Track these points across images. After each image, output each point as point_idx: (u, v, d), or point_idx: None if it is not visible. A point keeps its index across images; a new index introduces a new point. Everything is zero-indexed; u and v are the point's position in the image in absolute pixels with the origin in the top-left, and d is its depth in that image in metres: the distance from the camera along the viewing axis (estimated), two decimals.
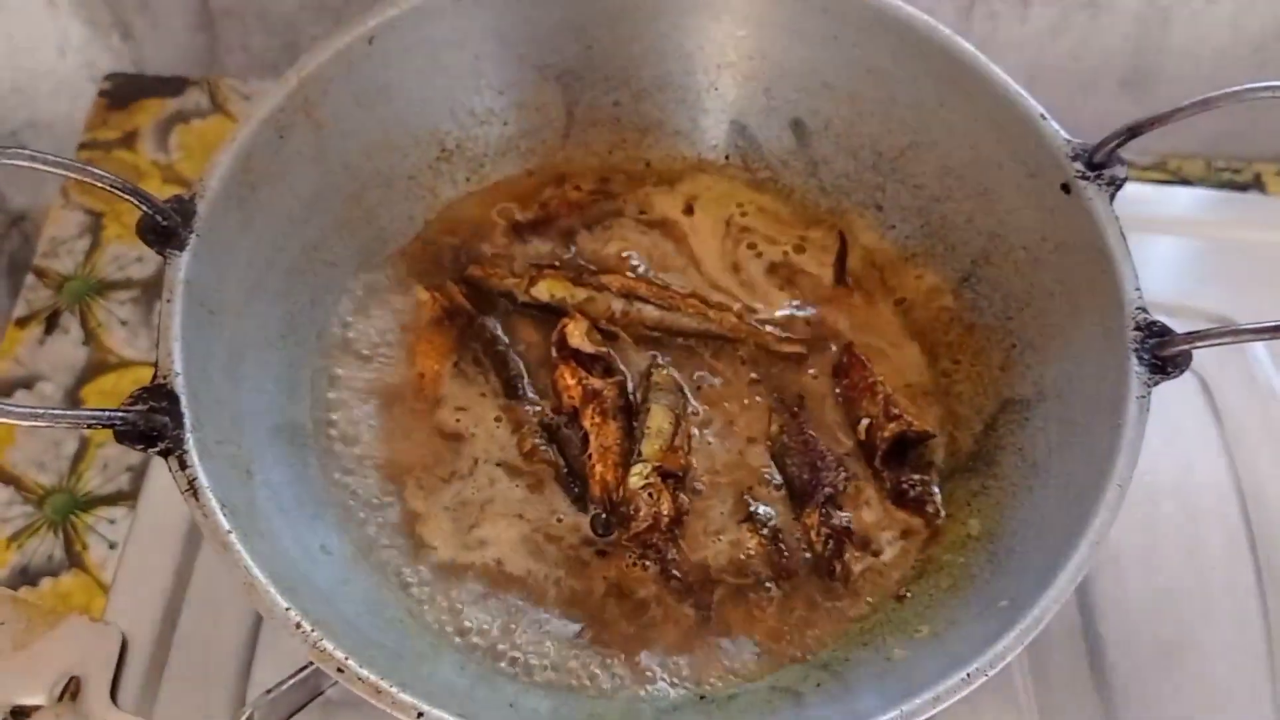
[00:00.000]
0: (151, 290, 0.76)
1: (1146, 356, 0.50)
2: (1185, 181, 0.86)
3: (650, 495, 0.57)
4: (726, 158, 0.69)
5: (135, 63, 0.90)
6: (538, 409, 0.61)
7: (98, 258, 0.78)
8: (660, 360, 0.63)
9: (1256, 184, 0.86)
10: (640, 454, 0.58)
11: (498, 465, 0.60)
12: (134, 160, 0.83)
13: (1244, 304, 0.72)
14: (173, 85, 0.87)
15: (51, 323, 0.75)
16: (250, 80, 0.89)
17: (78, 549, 0.67)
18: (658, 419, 0.59)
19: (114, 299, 0.76)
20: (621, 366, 0.62)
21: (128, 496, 0.69)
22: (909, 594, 0.56)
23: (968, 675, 0.44)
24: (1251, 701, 0.62)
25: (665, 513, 0.57)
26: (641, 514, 0.56)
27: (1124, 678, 0.62)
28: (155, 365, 0.48)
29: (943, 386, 0.63)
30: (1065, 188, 0.55)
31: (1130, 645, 0.63)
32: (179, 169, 0.83)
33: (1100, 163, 0.54)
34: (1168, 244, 0.79)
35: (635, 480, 0.57)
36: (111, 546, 0.67)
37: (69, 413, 0.46)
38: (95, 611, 0.64)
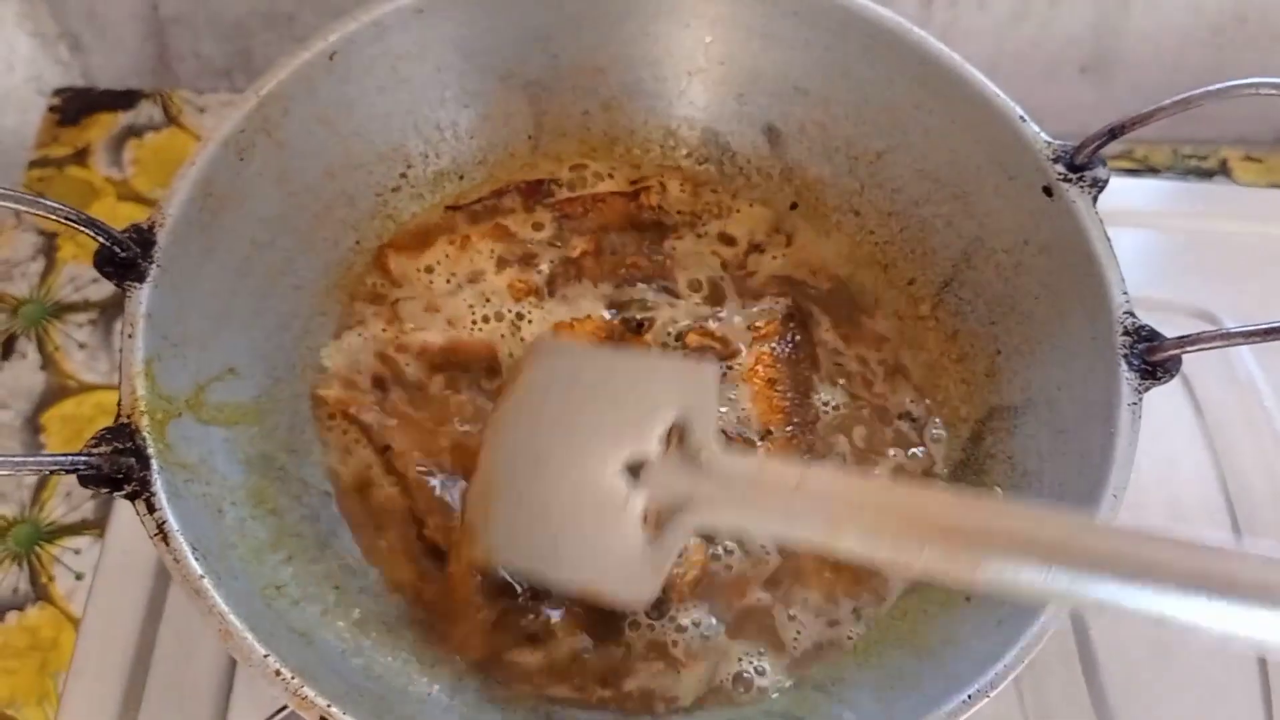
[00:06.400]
0: (110, 311, 0.75)
1: (1136, 362, 0.49)
2: (1152, 169, 0.86)
3: None
4: (700, 166, 0.68)
5: (84, 73, 0.88)
6: None
7: (53, 280, 0.76)
8: None
9: (1223, 170, 0.87)
10: None
11: None
12: (87, 177, 0.81)
13: (1220, 297, 0.72)
14: (125, 99, 0.85)
15: (8, 348, 0.73)
16: (203, 88, 0.87)
17: (44, 581, 0.66)
18: None
19: (71, 321, 0.75)
20: None
21: (93, 525, 0.67)
22: (902, 611, 0.55)
23: (969, 697, 0.44)
24: (1244, 701, 0.62)
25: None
26: None
27: (1116, 679, 0.62)
28: (119, 404, 0.46)
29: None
30: (1047, 190, 0.54)
31: (1122, 646, 0.63)
32: (134, 185, 0.81)
33: (1082, 165, 0.53)
34: (1140, 237, 0.79)
35: None
36: (78, 577, 0.66)
37: (29, 459, 0.44)
38: (65, 647, 0.63)
